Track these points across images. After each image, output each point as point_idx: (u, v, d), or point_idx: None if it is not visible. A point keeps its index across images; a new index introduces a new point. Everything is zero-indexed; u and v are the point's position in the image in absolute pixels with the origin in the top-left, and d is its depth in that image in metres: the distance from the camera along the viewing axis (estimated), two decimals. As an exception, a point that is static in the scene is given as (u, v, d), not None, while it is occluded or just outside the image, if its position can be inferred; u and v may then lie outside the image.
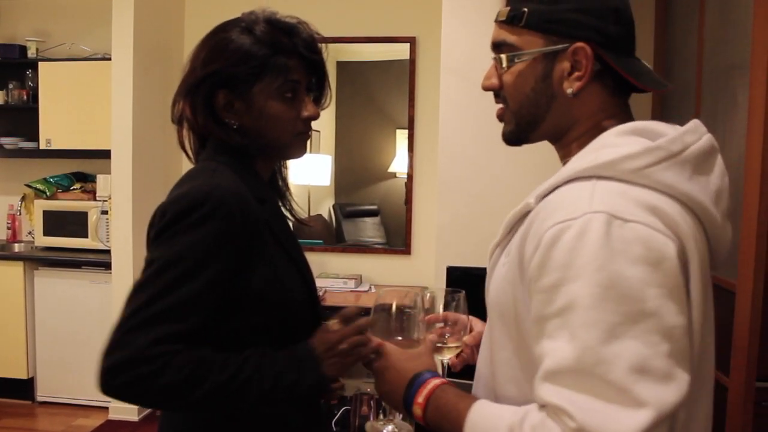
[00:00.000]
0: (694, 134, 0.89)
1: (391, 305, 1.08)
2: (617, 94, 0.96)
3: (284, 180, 1.31)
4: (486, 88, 1.00)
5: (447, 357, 1.14)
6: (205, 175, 1.08)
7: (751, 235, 2.40)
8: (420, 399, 0.94)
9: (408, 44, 3.91)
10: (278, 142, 1.16)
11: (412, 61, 3.92)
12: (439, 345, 1.11)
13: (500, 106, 1.00)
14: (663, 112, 3.66)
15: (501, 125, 1.03)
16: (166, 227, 1.01)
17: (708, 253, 0.89)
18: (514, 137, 0.99)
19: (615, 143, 0.87)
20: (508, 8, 0.93)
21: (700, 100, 3.05)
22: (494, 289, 0.95)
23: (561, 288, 0.79)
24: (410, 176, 3.94)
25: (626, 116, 0.97)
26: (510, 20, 0.93)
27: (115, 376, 0.95)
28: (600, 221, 0.78)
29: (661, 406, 0.74)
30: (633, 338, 0.75)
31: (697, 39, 3.11)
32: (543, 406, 0.80)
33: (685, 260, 0.81)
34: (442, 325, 1.14)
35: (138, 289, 0.98)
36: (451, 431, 0.90)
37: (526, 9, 0.91)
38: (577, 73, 0.91)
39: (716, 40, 2.91)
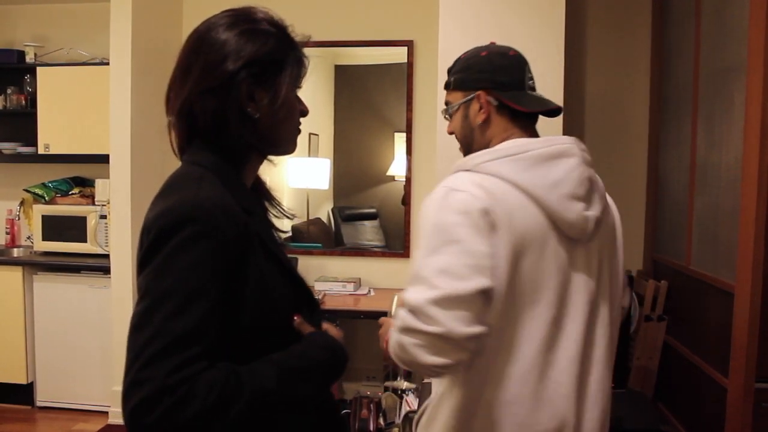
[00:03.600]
0: (542, 143, 1.30)
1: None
2: (518, 118, 1.38)
3: (264, 182, 1.28)
4: (448, 134, 1.50)
5: None
6: (191, 185, 1.03)
7: (748, 237, 2.41)
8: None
9: (405, 48, 3.92)
10: (286, 135, 1.17)
11: (410, 64, 3.93)
12: None
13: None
14: (661, 115, 3.67)
15: None
16: (154, 247, 0.97)
17: (546, 219, 1.26)
18: None
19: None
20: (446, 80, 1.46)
21: (697, 101, 3.06)
22: None
23: (420, 235, 1.26)
24: (408, 179, 3.95)
25: (526, 133, 1.38)
26: (446, 87, 1.47)
27: (143, 417, 0.89)
28: (442, 191, 1.27)
29: (450, 291, 1.15)
30: (444, 254, 1.19)
31: (694, 42, 3.12)
32: None
33: (493, 218, 1.21)
34: None
35: (139, 323, 0.93)
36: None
37: (452, 78, 1.44)
38: (482, 110, 1.39)
39: (712, 43, 2.92)
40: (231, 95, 1.08)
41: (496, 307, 1.21)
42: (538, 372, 1.26)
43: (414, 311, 1.16)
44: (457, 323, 1.14)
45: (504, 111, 1.37)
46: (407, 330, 1.17)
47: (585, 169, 1.30)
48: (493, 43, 1.45)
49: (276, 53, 1.11)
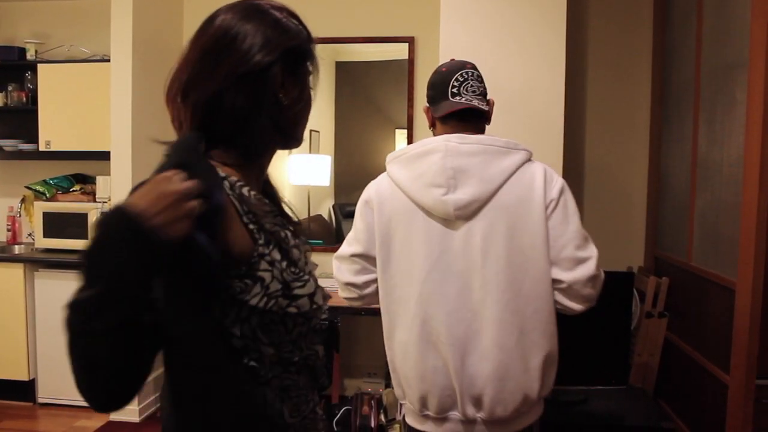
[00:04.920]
0: (417, 145, 1.69)
1: None
2: (447, 121, 1.72)
3: (270, 180, 1.26)
4: None
5: None
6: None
7: (750, 233, 2.41)
8: None
9: (407, 44, 3.91)
10: (303, 126, 1.18)
11: (411, 61, 3.92)
12: None
13: None
14: (662, 112, 3.67)
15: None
16: None
17: (412, 203, 1.66)
18: None
19: None
20: None
21: (699, 98, 3.05)
22: None
23: None
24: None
25: (455, 131, 1.69)
26: None
27: None
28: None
29: (339, 253, 1.80)
30: (351, 230, 1.79)
31: (696, 39, 3.11)
32: None
33: (371, 205, 1.73)
34: None
35: None
36: None
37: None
38: (429, 120, 1.80)
39: (714, 40, 2.92)
40: (267, 83, 1.08)
41: (383, 266, 1.70)
42: (420, 321, 1.64)
43: None
44: (339, 273, 1.81)
45: (437, 118, 1.74)
46: None
47: (450, 160, 1.61)
48: (452, 60, 1.79)
49: (303, 45, 1.13)
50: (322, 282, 1.19)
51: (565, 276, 1.61)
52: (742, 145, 2.51)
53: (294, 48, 1.11)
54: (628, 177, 3.85)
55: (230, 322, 1.02)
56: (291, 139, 1.18)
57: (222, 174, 1.04)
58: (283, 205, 1.24)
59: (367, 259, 1.74)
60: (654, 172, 3.75)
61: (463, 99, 1.68)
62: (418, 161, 1.66)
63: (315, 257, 1.29)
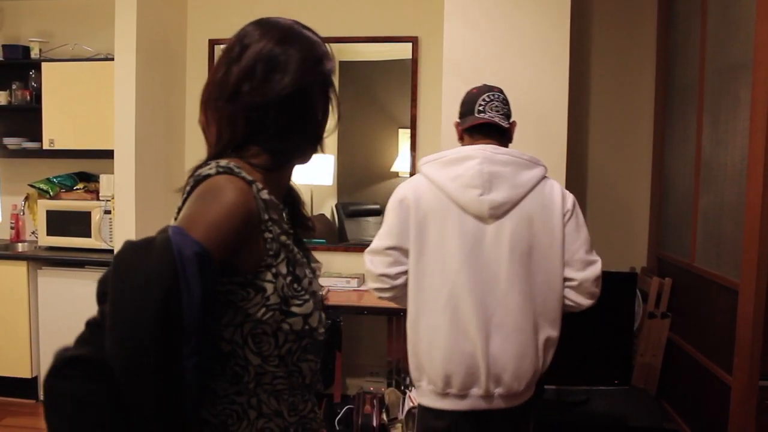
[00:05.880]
0: (454, 152, 1.91)
1: None
2: (472, 134, 1.98)
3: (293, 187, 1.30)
4: None
5: None
6: None
7: (753, 234, 2.40)
8: None
9: (410, 44, 3.91)
10: (322, 138, 1.24)
11: (415, 60, 3.92)
12: None
13: None
14: (666, 113, 3.66)
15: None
16: None
17: (449, 200, 1.86)
18: None
19: None
20: None
21: (703, 98, 3.05)
22: None
23: None
24: (412, 176, 3.94)
25: (477, 142, 1.94)
26: None
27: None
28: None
29: (373, 246, 1.95)
30: (383, 226, 1.95)
31: (700, 39, 3.11)
32: None
33: (406, 203, 1.90)
34: None
35: None
36: None
37: None
38: (458, 132, 2.04)
39: (718, 40, 2.91)
40: (308, 101, 1.14)
41: (416, 257, 1.88)
42: (452, 306, 1.84)
43: None
44: (372, 265, 1.95)
45: (464, 130, 2.00)
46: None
47: (486, 166, 1.85)
48: (483, 84, 2.01)
49: (333, 66, 1.20)
50: (324, 281, 1.21)
51: (577, 275, 1.89)
52: (746, 146, 2.50)
53: (330, 69, 1.18)
54: (632, 177, 3.84)
55: (222, 326, 1.04)
56: (314, 152, 1.23)
57: (249, 177, 1.06)
58: (304, 212, 1.27)
59: (400, 251, 1.91)
60: (657, 172, 3.75)
61: (487, 115, 1.94)
62: (455, 165, 1.88)
63: (317, 256, 1.30)
